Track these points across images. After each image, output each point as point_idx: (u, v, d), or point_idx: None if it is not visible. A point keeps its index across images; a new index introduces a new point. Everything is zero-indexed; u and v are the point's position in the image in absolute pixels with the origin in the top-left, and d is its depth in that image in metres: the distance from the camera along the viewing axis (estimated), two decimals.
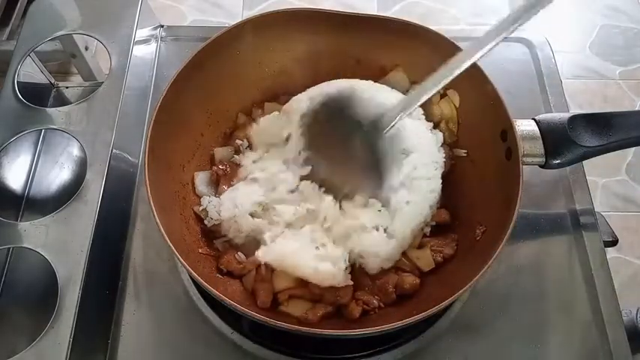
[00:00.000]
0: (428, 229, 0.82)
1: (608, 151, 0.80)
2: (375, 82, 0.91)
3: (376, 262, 0.77)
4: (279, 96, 0.92)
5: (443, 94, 0.89)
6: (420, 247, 0.81)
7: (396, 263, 0.79)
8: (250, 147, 0.88)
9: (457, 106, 0.88)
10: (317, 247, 0.75)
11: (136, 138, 0.94)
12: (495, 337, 0.80)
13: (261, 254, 0.75)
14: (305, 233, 0.77)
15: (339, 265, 0.75)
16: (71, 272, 0.74)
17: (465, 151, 0.87)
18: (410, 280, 0.77)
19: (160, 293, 0.83)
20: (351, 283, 0.76)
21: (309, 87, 0.93)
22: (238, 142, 0.89)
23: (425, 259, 0.79)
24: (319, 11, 0.86)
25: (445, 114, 0.89)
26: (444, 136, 0.88)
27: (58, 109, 0.89)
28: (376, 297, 0.77)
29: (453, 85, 0.87)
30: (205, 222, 0.81)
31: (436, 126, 0.89)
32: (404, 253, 0.80)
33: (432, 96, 0.87)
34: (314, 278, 0.74)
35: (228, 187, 0.84)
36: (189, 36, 1.10)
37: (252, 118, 0.91)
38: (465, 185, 0.85)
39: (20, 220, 0.87)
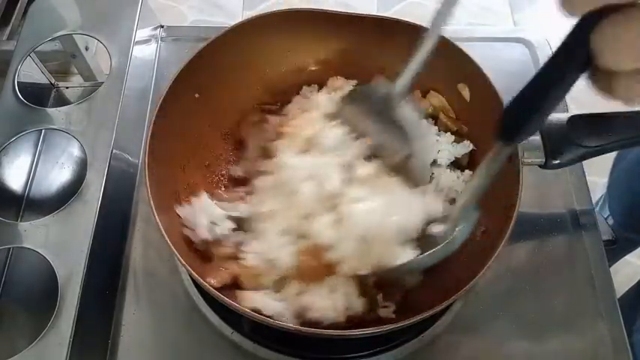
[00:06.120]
0: None
1: (608, 151, 0.80)
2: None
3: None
4: (278, 97, 0.93)
5: (427, 92, 0.89)
6: None
7: None
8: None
9: (468, 100, 0.86)
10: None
11: (136, 138, 0.94)
12: (495, 336, 0.80)
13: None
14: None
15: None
16: (71, 272, 0.74)
17: (471, 143, 0.86)
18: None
19: (160, 293, 0.83)
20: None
21: (307, 88, 0.93)
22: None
23: None
24: (319, 11, 0.86)
25: (437, 106, 0.88)
26: (446, 125, 0.87)
27: (58, 109, 0.89)
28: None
29: (462, 79, 0.87)
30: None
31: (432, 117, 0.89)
32: None
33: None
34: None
35: None
36: (189, 36, 1.10)
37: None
38: None
39: (20, 220, 0.87)
